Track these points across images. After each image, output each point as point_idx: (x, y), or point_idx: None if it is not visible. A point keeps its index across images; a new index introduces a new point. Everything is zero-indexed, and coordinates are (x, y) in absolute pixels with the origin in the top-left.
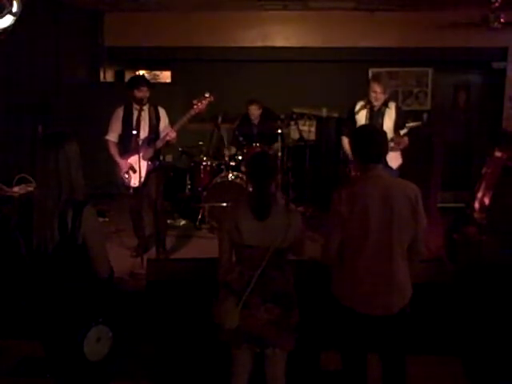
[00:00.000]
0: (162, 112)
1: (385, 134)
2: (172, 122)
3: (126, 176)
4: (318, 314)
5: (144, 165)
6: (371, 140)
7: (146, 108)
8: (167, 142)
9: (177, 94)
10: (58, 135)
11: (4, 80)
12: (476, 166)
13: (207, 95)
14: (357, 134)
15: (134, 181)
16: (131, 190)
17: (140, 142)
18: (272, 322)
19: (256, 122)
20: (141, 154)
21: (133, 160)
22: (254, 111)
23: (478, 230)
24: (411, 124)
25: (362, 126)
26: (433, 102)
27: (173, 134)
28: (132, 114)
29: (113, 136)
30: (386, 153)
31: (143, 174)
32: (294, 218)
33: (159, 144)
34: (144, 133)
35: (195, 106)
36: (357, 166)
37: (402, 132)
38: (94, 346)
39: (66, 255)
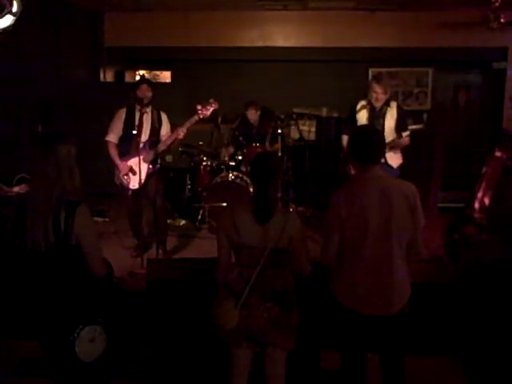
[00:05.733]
0: (164, 117)
1: (382, 134)
2: (171, 123)
3: (125, 178)
4: (318, 314)
5: (144, 167)
6: (369, 141)
7: (148, 111)
8: (174, 140)
9: (177, 94)
10: (51, 136)
11: (4, 80)
12: (476, 166)
13: (212, 101)
14: (354, 134)
15: (134, 183)
16: (129, 192)
17: (141, 145)
18: (272, 321)
19: (256, 123)
20: (141, 157)
21: (133, 162)
22: (252, 115)
23: (478, 230)
24: (413, 127)
25: (360, 127)
26: (433, 102)
27: (182, 133)
28: (134, 115)
29: (113, 137)
30: (384, 153)
31: (143, 176)
32: (291, 218)
33: (161, 148)
34: (145, 136)
35: (199, 112)
36: (355, 167)
37: (405, 134)
38: (86, 346)
39: (60, 255)
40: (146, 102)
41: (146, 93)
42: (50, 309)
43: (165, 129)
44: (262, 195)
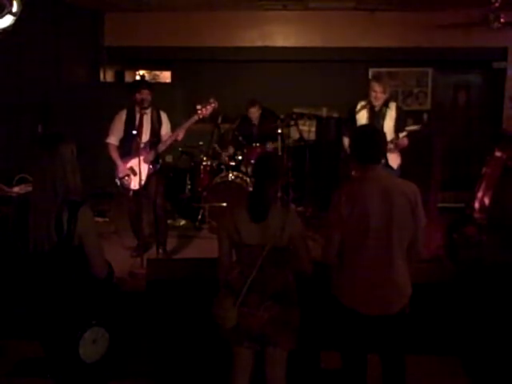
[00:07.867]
0: (164, 116)
1: (384, 134)
2: (172, 123)
3: (126, 179)
4: (319, 314)
5: (145, 168)
6: (370, 140)
7: (148, 111)
8: (174, 140)
9: (177, 94)
10: (54, 137)
11: (4, 80)
12: (476, 166)
13: (211, 101)
14: (356, 134)
15: (134, 183)
16: (130, 193)
17: (141, 145)
18: (272, 321)
19: (256, 122)
20: (142, 157)
21: (133, 163)
22: (254, 113)
23: (478, 230)
24: (410, 128)
25: (361, 127)
26: (433, 102)
27: (181, 134)
28: (134, 117)
29: (113, 139)
30: (385, 153)
31: (144, 177)
32: (290, 217)
33: (161, 148)
34: (145, 136)
35: (199, 112)
36: (356, 167)
37: (402, 135)
38: (89, 347)
39: (62, 256)
40: (145, 104)
41: (146, 97)
42: (53, 310)
43: (165, 129)
44: (257, 194)
